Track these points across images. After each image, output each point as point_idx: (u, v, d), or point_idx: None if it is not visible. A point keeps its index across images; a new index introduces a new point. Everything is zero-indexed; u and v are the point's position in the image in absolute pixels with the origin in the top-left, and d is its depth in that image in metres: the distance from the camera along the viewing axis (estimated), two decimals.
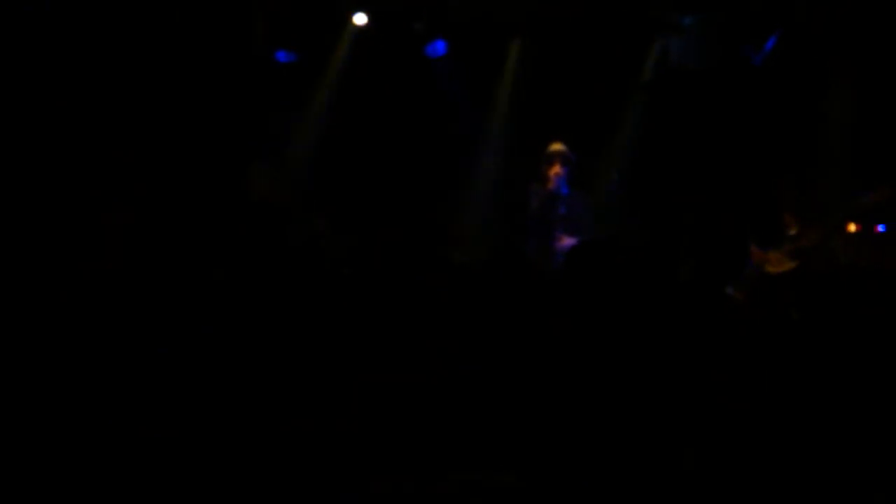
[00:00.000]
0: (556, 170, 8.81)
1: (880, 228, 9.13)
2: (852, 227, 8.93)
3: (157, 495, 5.28)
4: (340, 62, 11.00)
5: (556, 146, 8.94)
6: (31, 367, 6.35)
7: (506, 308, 7.99)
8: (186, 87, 10.27)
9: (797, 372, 6.80)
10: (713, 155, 10.45)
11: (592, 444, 6.16)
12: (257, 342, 7.22)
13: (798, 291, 8.02)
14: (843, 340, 7.13)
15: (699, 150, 10.52)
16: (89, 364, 6.49)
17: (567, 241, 8.53)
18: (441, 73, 11.01)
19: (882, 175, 8.99)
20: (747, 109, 10.48)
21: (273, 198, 10.27)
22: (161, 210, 9.29)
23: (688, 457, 6.02)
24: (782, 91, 10.41)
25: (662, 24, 10.77)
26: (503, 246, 9.82)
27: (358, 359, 7.33)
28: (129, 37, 9.85)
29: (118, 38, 9.82)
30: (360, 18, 10.77)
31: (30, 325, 6.75)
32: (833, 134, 10.22)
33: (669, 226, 9.99)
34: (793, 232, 8.50)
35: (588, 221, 8.83)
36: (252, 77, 10.61)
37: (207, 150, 10.15)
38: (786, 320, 7.76)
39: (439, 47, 10.86)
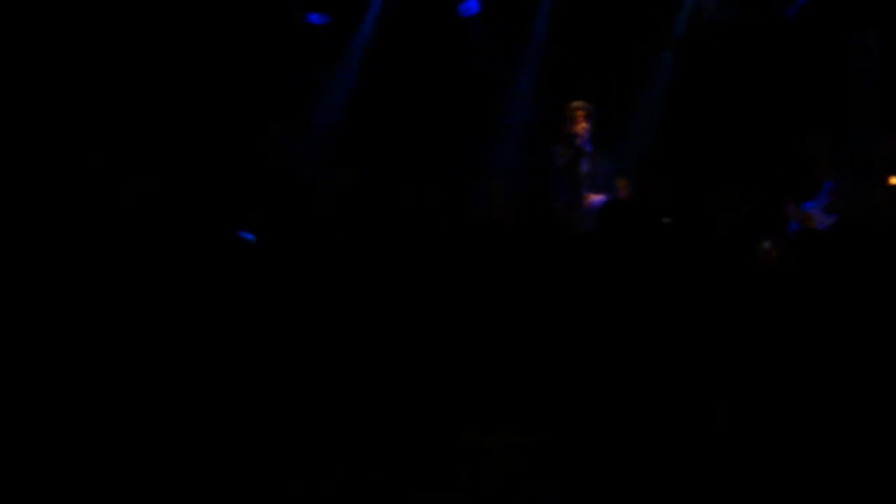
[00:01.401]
0: (583, 125, 8.68)
1: None
2: (893, 181, 8.91)
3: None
4: (372, 23, 10.95)
5: (579, 103, 8.83)
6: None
7: (539, 267, 8.03)
8: (213, 46, 10.30)
9: (831, 328, 6.82)
10: (745, 111, 10.41)
11: (624, 403, 6.21)
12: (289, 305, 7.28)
13: (839, 247, 8.02)
14: (880, 298, 7.14)
15: (731, 107, 10.49)
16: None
17: (595, 199, 8.47)
18: (473, 31, 10.98)
19: None
20: (779, 64, 10.44)
21: (291, 161, 10.26)
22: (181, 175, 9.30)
23: (721, 413, 6.06)
24: (814, 45, 10.37)
25: None
26: (534, 205, 9.84)
27: (388, 318, 7.39)
28: None
29: None
30: None
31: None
32: (863, 85, 10.19)
33: (702, 185, 9.97)
34: (828, 183, 8.51)
35: (612, 180, 8.77)
36: (285, 38, 10.61)
37: (229, 111, 10.16)
38: (825, 277, 7.76)
39: (472, 6, 10.83)
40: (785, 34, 10.43)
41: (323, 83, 11.09)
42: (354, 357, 7.01)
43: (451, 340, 7.16)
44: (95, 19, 9.60)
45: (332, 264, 8.16)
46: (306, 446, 5.81)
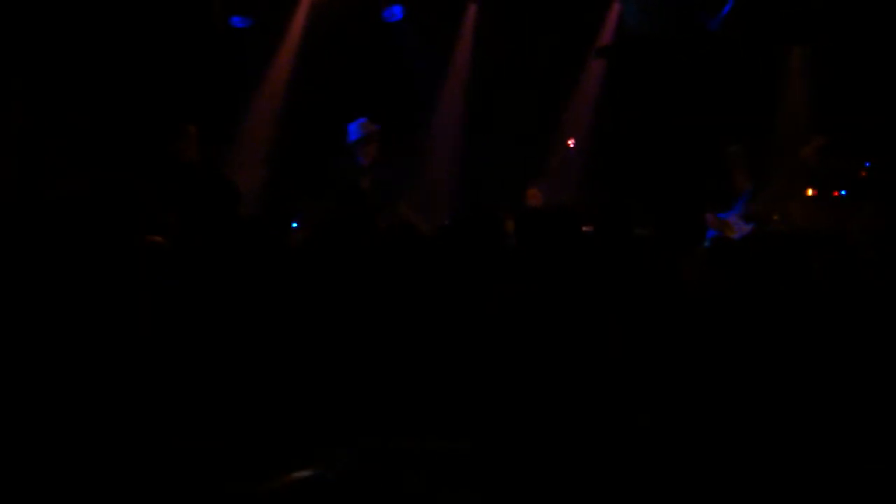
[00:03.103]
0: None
1: (841, 193, 9.19)
2: (810, 192, 9.00)
3: None
4: (298, 27, 10.91)
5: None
6: None
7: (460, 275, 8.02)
8: (137, 51, 10.23)
9: (748, 336, 6.84)
10: (668, 121, 10.48)
11: (545, 409, 6.20)
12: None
13: (755, 255, 8.08)
14: (795, 306, 7.18)
15: (654, 116, 10.55)
16: None
17: None
18: (398, 37, 10.96)
19: (835, 137, 9.09)
20: (702, 74, 10.51)
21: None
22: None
23: (642, 421, 6.06)
24: (737, 56, 10.45)
25: None
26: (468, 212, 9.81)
27: (311, 332, 7.33)
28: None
29: None
30: None
31: None
32: (787, 99, 10.28)
33: (625, 193, 10.01)
34: (746, 192, 8.58)
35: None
36: (209, 42, 10.56)
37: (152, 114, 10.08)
38: (745, 285, 7.81)
39: (396, 11, 10.81)
40: (708, 45, 10.50)
41: (248, 86, 11.02)
42: (271, 361, 6.96)
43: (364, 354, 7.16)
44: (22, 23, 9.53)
45: (252, 267, 8.11)
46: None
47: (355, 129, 9.03)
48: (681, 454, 5.64)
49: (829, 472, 5.35)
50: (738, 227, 8.36)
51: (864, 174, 9.19)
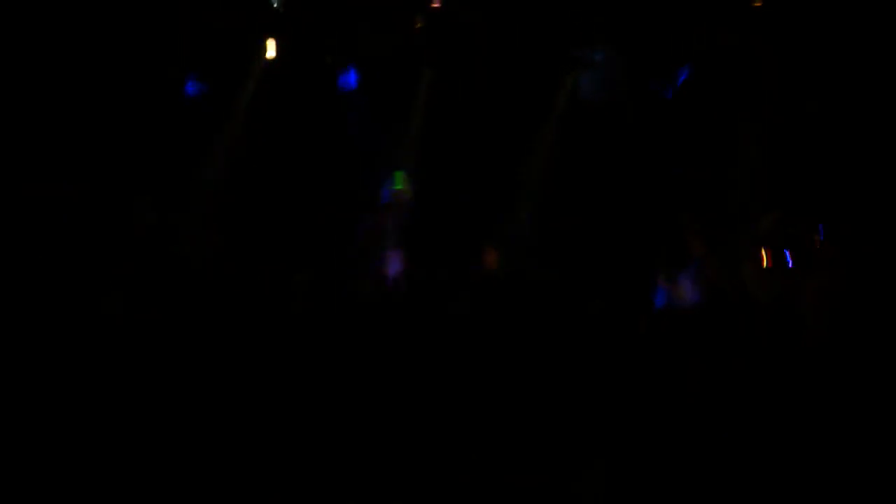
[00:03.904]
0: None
1: (788, 261, 9.13)
2: (765, 262, 8.94)
3: None
4: (251, 94, 10.86)
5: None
6: None
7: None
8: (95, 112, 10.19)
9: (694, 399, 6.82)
10: (623, 185, 10.46)
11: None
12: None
13: (703, 326, 8.05)
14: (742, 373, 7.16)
15: (609, 182, 10.54)
16: None
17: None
18: (353, 105, 10.94)
19: (788, 203, 9.07)
20: (658, 141, 10.52)
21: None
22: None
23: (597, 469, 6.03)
24: (692, 122, 10.47)
25: (574, 59, 10.79)
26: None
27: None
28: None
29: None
30: (270, 49, 10.68)
31: None
32: (741, 164, 10.28)
33: (579, 259, 9.96)
34: (700, 258, 8.55)
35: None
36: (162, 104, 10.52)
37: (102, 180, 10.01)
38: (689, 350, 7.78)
39: (350, 80, 10.79)
40: (663, 112, 10.52)
41: (201, 152, 10.94)
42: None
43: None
44: None
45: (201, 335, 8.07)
46: None
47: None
48: None
49: None
50: (689, 292, 8.31)
51: (817, 244, 9.14)
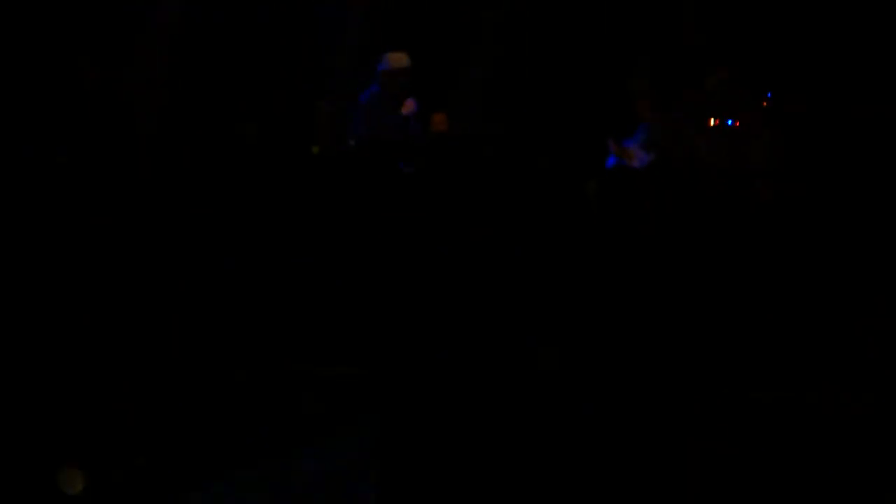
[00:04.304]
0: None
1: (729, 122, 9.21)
2: (712, 121, 9.02)
3: None
4: None
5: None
6: None
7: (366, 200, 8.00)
8: None
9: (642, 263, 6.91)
10: (571, 50, 10.43)
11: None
12: None
13: (654, 186, 8.13)
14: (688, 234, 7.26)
15: (556, 45, 10.50)
16: None
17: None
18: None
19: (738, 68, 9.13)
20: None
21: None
22: None
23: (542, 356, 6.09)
24: None
25: None
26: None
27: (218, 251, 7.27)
28: None
29: None
30: None
31: None
32: (686, 24, 10.29)
33: (526, 120, 9.96)
34: (648, 121, 8.63)
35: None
36: None
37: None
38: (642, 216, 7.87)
39: None
40: None
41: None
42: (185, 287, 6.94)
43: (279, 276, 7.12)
44: None
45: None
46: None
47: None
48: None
49: None
50: (638, 155, 8.40)
51: (765, 104, 9.23)
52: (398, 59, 8.79)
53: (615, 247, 7.24)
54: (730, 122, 8.89)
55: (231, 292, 6.79)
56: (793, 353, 6.03)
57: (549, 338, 6.29)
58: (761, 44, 9.64)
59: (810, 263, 7.22)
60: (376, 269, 7.21)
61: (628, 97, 8.86)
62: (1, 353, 5.74)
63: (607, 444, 5.14)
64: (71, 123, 8.73)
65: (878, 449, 5.07)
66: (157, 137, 9.33)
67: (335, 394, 5.65)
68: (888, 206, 8.04)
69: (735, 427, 5.26)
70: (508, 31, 10.69)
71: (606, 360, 5.98)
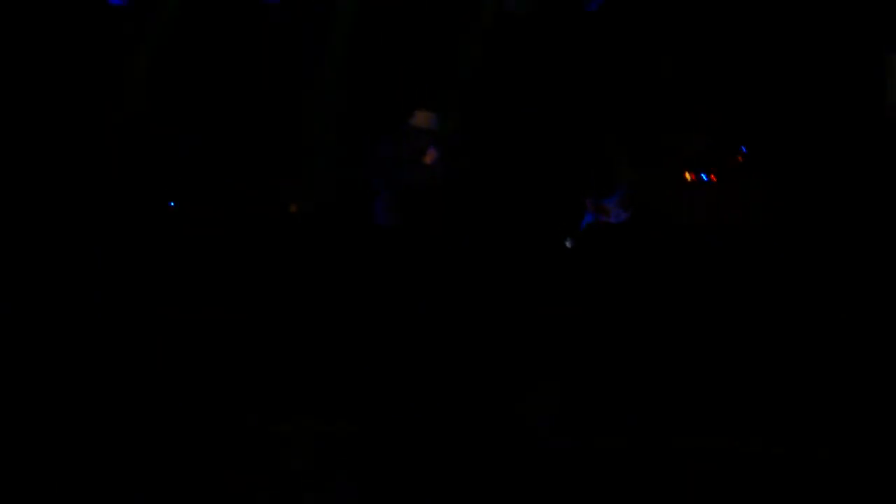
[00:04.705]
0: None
1: (703, 177, 9.26)
2: (688, 177, 9.06)
3: None
4: (172, 5, 10.66)
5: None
6: None
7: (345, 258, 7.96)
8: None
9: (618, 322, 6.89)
10: (549, 103, 10.45)
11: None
12: None
13: (631, 245, 8.13)
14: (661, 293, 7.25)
15: (535, 98, 10.52)
16: None
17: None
18: (276, 17, 10.78)
19: (709, 123, 9.18)
20: (582, 55, 10.50)
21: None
22: None
23: (521, 408, 6.06)
24: (617, 38, 10.46)
25: None
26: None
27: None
28: None
29: None
30: None
31: None
32: (664, 82, 10.33)
33: (505, 176, 9.97)
34: (625, 180, 8.64)
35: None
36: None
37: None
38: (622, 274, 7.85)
39: None
40: (588, 28, 10.49)
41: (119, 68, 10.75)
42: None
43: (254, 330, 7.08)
44: None
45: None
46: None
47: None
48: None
49: None
50: (615, 213, 8.41)
51: (739, 159, 9.28)
52: (425, 119, 8.78)
53: (595, 305, 7.21)
54: (705, 178, 8.94)
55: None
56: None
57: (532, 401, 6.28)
58: (739, 102, 9.70)
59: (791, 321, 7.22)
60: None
61: (605, 156, 8.89)
62: None
63: None
64: None
65: None
66: None
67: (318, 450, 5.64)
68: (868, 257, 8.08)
69: None
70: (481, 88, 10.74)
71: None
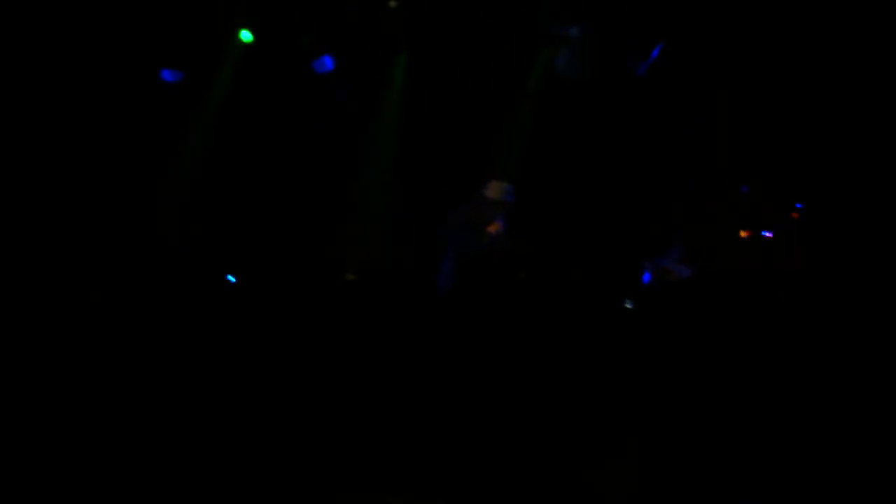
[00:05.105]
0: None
1: (764, 233, 9.27)
2: (743, 234, 9.08)
3: None
4: (228, 78, 10.82)
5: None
6: None
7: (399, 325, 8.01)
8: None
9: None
10: (601, 165, 10.51)
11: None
12: None
13: (694, 298, 8.14)
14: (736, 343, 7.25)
15: (587, 161, 10.58)
16: None
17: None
18: (329, 88, 10.91)
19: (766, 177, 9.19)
20: (633, 119, 10.57)
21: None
22: None
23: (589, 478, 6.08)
24: (667, 100, 10.52)
25: (548, 36, 10.79)
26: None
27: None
28: None
29: None
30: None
31: None
32: (719, 140, 10.36)
33: (559, 236, 9.99)
34: (681, 237, 8.66)
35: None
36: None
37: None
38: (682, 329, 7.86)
39: (327, 62, 10.74)
40: (638, 90, 10.55)
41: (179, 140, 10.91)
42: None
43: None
44: None
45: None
46: None
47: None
48: None
49: None
50: (678, 271, 8.41)
51: (795, 216, 9.29)
52: (499, 190, 8.79)
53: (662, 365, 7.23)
54: (763, 233, 8.96)
55: None
56: None
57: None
58: (792, 159, 9.72)
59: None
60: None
61: (666, 213, 8.91)
62: None
63: None
64: None
65: None
66: None
67: None
68: None
69: None
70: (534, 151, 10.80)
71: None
